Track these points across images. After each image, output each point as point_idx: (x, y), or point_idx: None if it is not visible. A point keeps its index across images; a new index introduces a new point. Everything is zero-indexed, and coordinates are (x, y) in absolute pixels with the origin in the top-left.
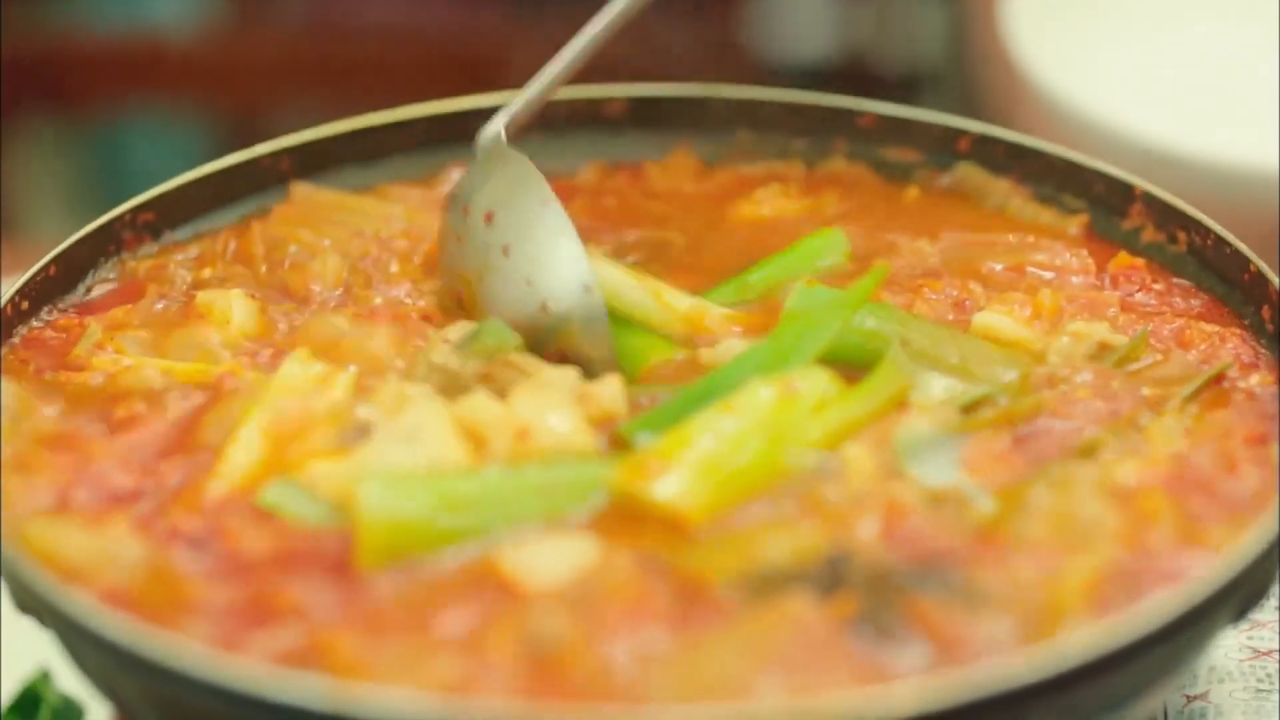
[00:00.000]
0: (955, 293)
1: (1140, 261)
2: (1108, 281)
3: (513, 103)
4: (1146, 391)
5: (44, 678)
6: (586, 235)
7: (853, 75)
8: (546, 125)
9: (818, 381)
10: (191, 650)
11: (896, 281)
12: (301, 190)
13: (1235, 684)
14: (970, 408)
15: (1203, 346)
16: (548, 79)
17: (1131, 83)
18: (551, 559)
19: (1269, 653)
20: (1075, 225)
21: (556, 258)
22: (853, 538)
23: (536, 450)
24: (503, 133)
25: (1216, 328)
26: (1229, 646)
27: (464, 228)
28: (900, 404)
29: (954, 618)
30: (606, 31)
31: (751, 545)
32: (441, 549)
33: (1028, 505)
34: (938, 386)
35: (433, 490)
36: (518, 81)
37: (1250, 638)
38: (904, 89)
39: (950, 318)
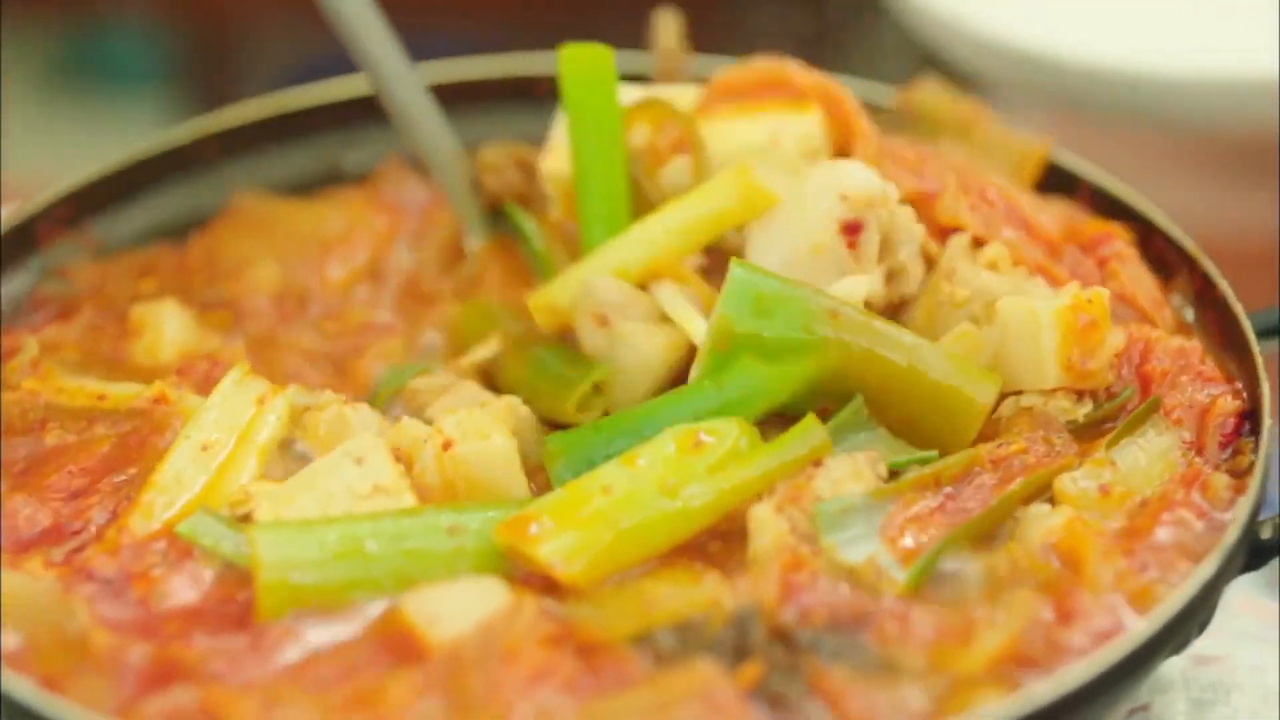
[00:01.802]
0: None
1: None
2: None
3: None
4: (1077, 445)
5: None
6: None
7: None
8: None
9: (726, 436)
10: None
11: None
12: (242, 199)
13: (1177, 694)
14: (900, 469)
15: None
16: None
17: None
18: (455, 608)
19: (1213, 659)
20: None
21: None
22: (755, 602)
23: (462, 467)
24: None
25: (1181, 340)
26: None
27: None
28: (818, 463)
29: (862, 688)
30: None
31: (649, 606)
32: (343, 598)
33: (943, 572)
34: (863, 453)
35: (330, 540)
36: None
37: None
38: None
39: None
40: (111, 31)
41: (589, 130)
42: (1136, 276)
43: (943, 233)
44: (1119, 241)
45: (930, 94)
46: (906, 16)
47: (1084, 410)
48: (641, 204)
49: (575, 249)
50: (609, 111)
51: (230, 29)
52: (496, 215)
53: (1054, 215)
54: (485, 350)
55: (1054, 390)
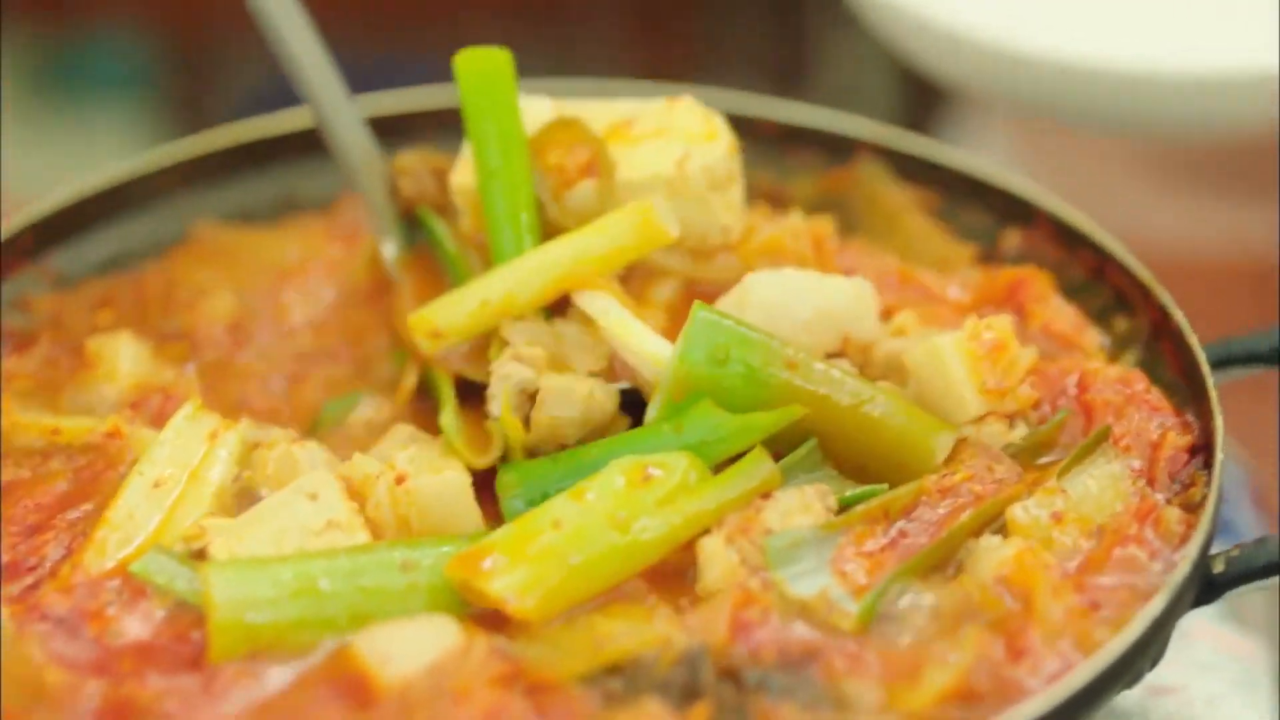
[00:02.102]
0: None
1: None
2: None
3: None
4: (1027, 476)
5: None
6: None
7: None
8: None
9: (675, 470)
10: None
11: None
12: (200, 229)
13: None
14: (849, 503)
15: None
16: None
17: None
18: (407, 647)
19: (1171, 690)
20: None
21: None
22: (705, 641)
23: (416, 501)
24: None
25: (1121, 369)
26: None
27: None
28: (767, 495)
29: None
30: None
31: (600, 644)
32: (298, 636)
33: (894, 606)
34: (812, 486)
35: (284, 578)
36: None
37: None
38: None
39: None
40: (90, 41)
41: (490, 135)
42: (1055, 309)
43: None
44: (1035, 284)
45: (865, 177)
46: (869, 16)
47: (1018, 434)
48: (549, 224)
49: (488, 258)
50: (509, 116)
51: (210, 38)
52: (414, 224)
53: (964, 283)
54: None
55: (983, 417)
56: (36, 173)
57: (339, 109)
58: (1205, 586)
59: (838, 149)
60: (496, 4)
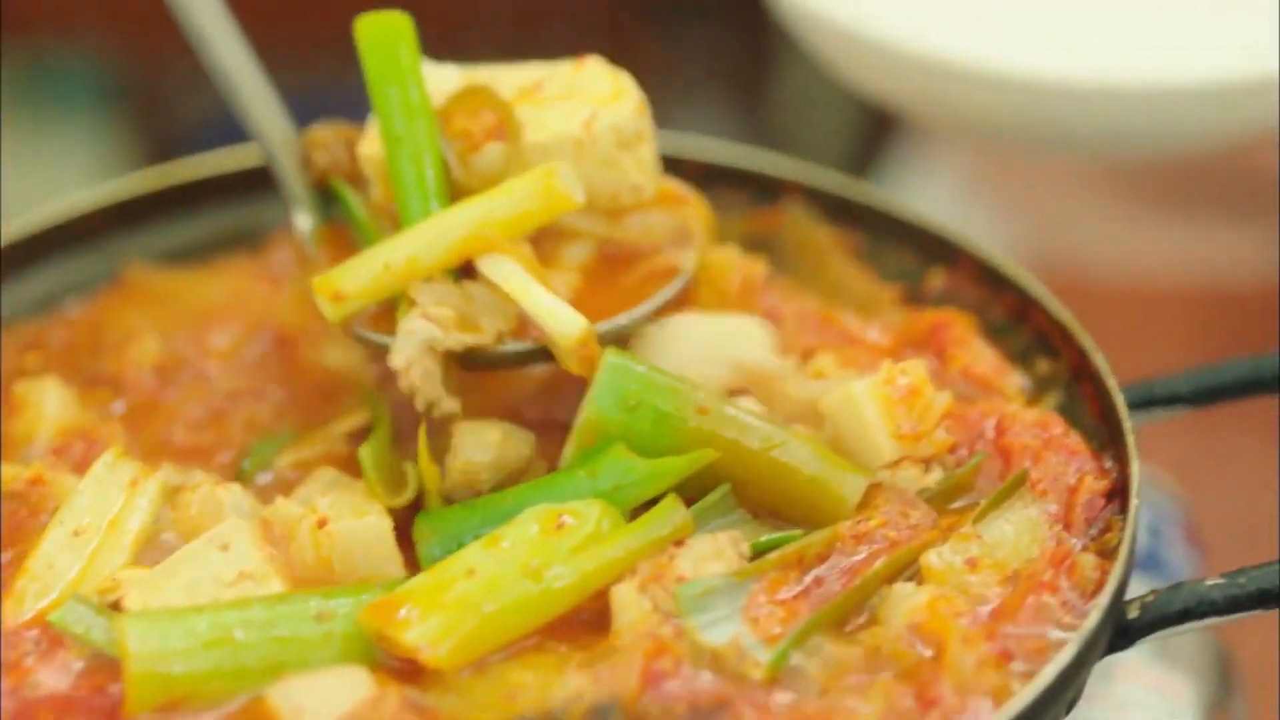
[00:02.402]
0: None
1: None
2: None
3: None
4: (943, 520)
5: None
6: None
7: None
8: None
9: (588, 517)
10: None
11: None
12: (131, 271)
13: None
14: (763, 549)
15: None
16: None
17: None
18: (319, 699)
19: None
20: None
21: None
22: (616, 693)
23: (337, 546)
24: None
25: (1039, 413)
26: None
27: None
28: (680, 542)
29: None
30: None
31: (511, 695)
32: (214, 688)
33: (805, 655)
34: (725, 533)
35: (199, 629)
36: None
37: None
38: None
39: None
40: (51, 61)
41: (393, 100)
42: (976, 353)
43: None
44: (956, 327)
45: (793, 217)
46: (801, 32)
47: (934, 478)
48: (457, 189)
49: (400, 226)
50: (412, 80)
51: (169, 59)
52: (329, 199)
53: (886, 325)
54: (353, 420)
55: (898, 462)
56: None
57: (249, 82)
58: (1119, 633)
59: (765, 189)
60: (452, 20)
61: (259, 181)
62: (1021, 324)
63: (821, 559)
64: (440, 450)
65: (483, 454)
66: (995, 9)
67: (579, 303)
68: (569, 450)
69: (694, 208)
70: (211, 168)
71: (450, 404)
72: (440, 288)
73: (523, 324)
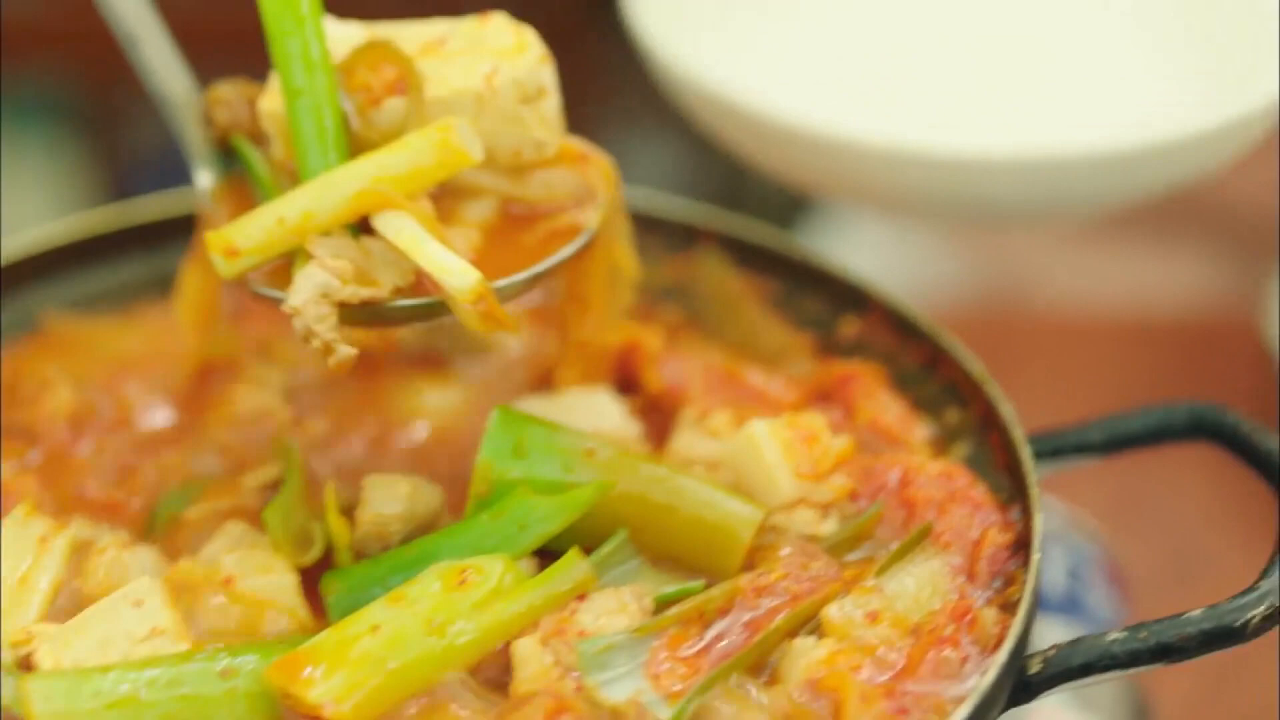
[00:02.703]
0: None
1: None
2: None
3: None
4: (846, 573)
5: None
6: None
7: None
8: None
9: (490, 573)
10: None
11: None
12: (49, 319)
13: None
14: (666, 602)
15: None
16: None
17: (771, 61)
18: None
19: None
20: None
21: None
22: None
23: (244, 603)
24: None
25: (943, 464)
26: None
27: None
28: (582, 596)
29: None
30: None
31: None
32: None
33: (707, 710)
34: (628, 587)
35: (105, 689)
36: None
37: None
38: None
39: None
40: (7, 91)
41: (293, 53)
42: (882, 405)
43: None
44: (864, 379)
45: (707, 265)
46: (683, 103)
47: (829, 525)
48: (359, 143)
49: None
50: (312, 32)
51: (125, 87)
52: (230, 156)
53: (795, 376)
54: (267, 473)
55: (795, 504)
56: None
57: (151, 39)
58: (1020, 688)
59: (680, 236)
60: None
61: (180, 229)
62: (932, 373)
63: (723, 613)
64: (351, 503)
65: (392, 506)
66: (880, 83)
67: (479, 260)
68: (470, 501)
69: (598, 166)
70: (132, 216)
71: (345, 350)
72: (337, 242)
73: (420, 281)
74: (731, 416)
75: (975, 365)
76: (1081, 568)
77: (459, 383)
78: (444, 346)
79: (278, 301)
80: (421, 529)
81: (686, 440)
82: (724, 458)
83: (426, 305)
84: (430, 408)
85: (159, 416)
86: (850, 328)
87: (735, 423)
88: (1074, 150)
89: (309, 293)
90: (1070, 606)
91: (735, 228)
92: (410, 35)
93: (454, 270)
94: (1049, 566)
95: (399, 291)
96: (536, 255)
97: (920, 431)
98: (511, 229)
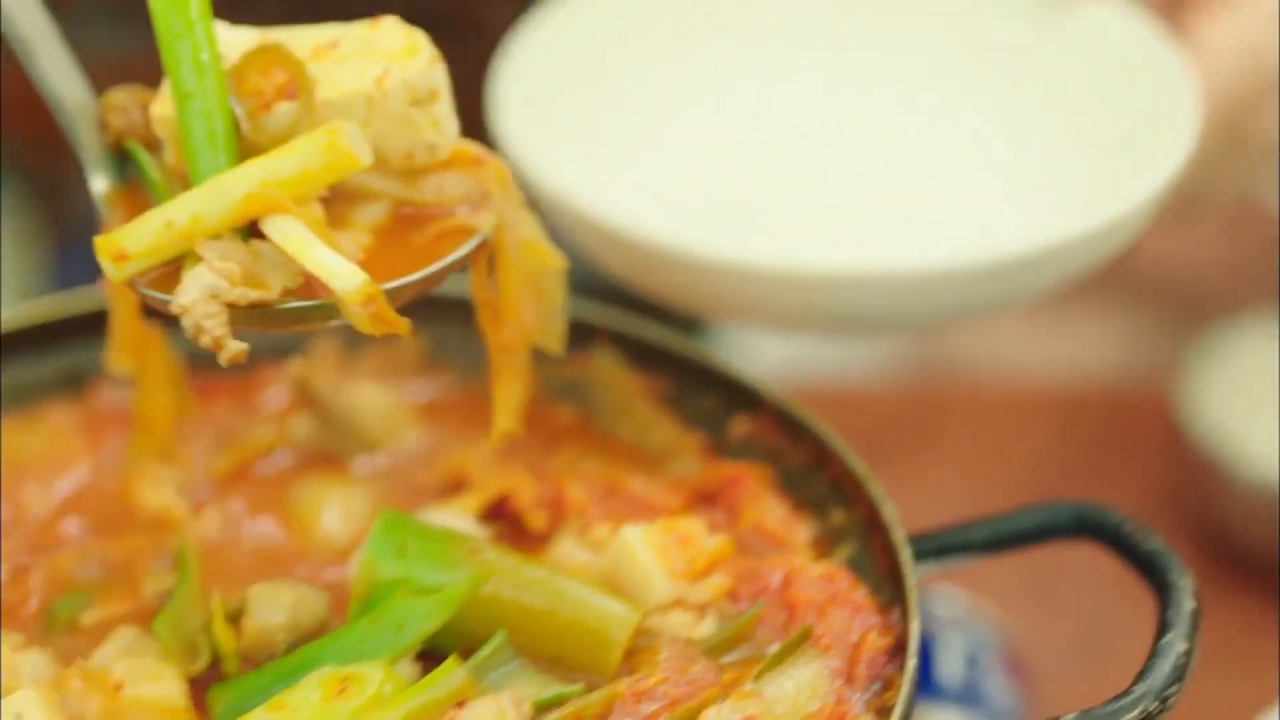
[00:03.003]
0: None
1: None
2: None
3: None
4: (725, 676)
5: None
6: None
7: None
8: None
9: (370, 681)
10: None
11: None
12: None
13: None
14: (545, 706)
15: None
16: None
17: (633, 179)
18: None
19: None
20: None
21: None
22: None
23: (133, 711)
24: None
25: (825, 566)
26: None
27: None
28: (461, 704)
29: None
30: None
31: None
32: None
33: None
34: (507, 693)
35: None
36: None
37: None
38: None
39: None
40: None
41: (183, 56)
42: (766, 507)
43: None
44: (748, 481)
45: (601, 363)
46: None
47: (707, 626)
48: (250, 148)
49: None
50: (202, 35)
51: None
52: (126, 161)
53: (677, 482)
54: (161, 581)
55: (672, 605)
56: None
57: (45, 47)
58: None
59: (575, 335)
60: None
61: (83, 327)
62: (819, 472)
63: (602, 718)
64: (240, 610)
65: (277, 615)
66: (755, 199)
67: (369, 262)
68: (352, 606)
69: (492, 169)
70: (34, 315)
71: (236, 345)
72: (226, 245)
73: (310, 283)
74: (611, 528)
75: (859, 465)
76: (980, 656)
77: (355, 484)
78: (338, 446)
79: (165, 303)
80: (307, 637)
81: (565, 550)
82: (602, 568)
83: (316, 307)
84: (321, 509)
85: (59, 519)
86: (741, 427)
87: (614, 533)
88: (947, 262)
89: (197, 293)
90: (968, 696)
91: (628, 326)
92: (303, 39)
93: (340, 273)
94: (947, 655)
95: (289, 294)
96: (427, 256)
97: (804, 533)
98: (403, 232)
